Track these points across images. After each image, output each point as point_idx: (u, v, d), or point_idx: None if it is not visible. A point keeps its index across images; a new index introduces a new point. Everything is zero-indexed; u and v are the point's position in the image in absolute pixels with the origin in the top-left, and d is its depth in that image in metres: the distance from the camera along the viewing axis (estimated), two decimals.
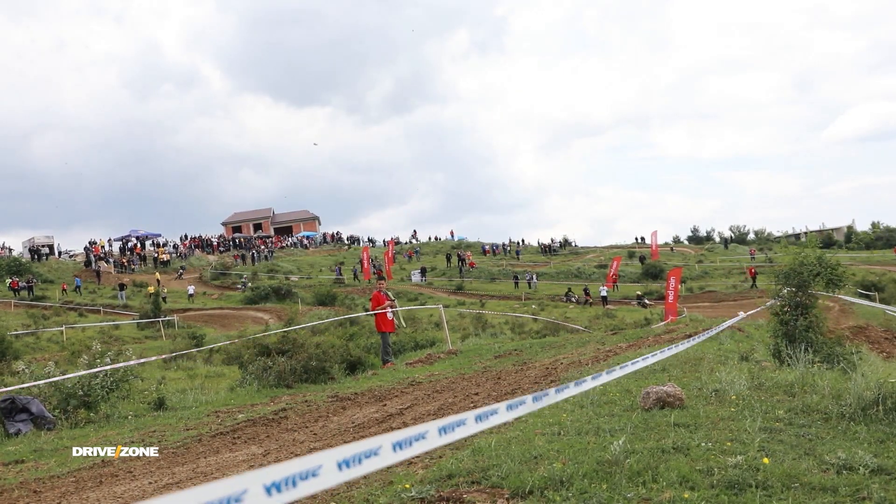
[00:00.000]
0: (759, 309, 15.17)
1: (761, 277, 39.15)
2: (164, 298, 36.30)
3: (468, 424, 2.32)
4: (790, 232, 71.28)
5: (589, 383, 3.45)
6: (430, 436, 2.11)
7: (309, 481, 1.62)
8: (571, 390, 3.18)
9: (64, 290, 40.13)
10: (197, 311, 36.36)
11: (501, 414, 2.53)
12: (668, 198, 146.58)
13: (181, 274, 48.22)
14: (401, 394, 8.30)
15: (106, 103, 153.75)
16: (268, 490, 1.51)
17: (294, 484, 1.58)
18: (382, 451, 1.88)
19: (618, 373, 3.96)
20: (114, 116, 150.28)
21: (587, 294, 38.84)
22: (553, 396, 2.97)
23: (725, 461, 3.64)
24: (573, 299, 39.14)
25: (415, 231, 70.86)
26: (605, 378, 3.74)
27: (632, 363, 4.37)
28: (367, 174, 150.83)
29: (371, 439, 1.87)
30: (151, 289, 39.07)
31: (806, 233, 68.52)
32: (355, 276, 48.03)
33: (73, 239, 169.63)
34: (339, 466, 1.73)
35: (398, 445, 1.96)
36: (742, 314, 14.09)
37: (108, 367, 8.92)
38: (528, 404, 2.75)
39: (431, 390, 8.25)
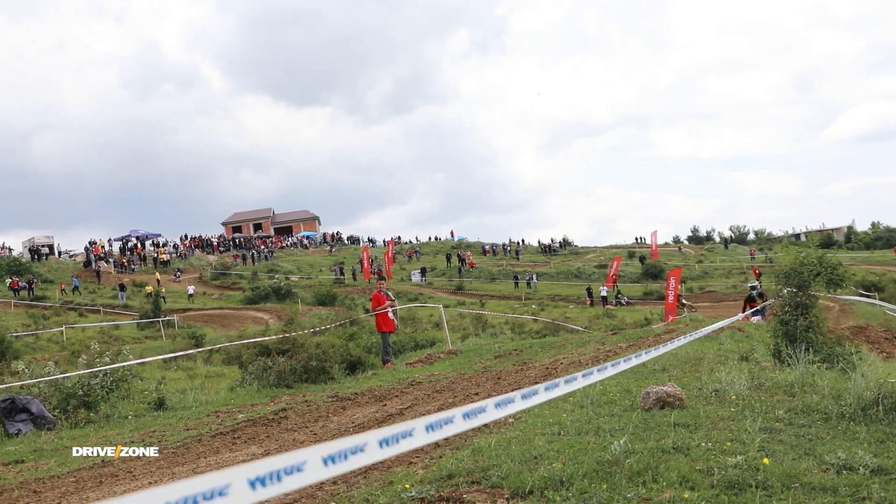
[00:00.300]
0: (758, 308, 15.18)
1: (763, 277, 39.15)
2: (163, 298, 36.27)
3: (455, 422, 2.30)
4: (791, 232, 71.32)
5: (580, 381, 3.44)
6: (417, 433, 2.09)
7: (293, 476, 1.61)
8: (561, 388, 3.18)
9: (63, 290, 40.07)
10: (197, 311, 36.35)
11: (490, 412, 2.52)
12: (668, 198, 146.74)
13: (178, 275, 47.80)
14: (401, 394, 8.30)
15: (106, 103, 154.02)
16: (252, 484, 1.50)
17: (279, 478, 1.57)
18: (368, 448, 1.87)
19: (609, 370, 3.95)
20: (114, 116, 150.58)
21: (589, 295, 38.65)
22: (542, 394, 2.97)
23: (725, 461, 3.63)
24: (623, 302, 37.75)
25: (399, 237, 69.02)
26: (596, 376, 3.73)
27: (624, 360, 4.37)
28: (367, 174, 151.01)
29: (357, 436, 1.87)
30: (149, 288, 39.04)
31: (806, 233, 68.52)
32: (353, 277, 48.04)
33: (73, 239, 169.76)
34: (325, 462, 1.72)
35: (384, 442, 1.94)
36: (740, 316, 14.21)
37: (108, 367, 8.92)
38: (517, 402, 2.73)
39: (431, 390, 8.24)
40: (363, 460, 1.84)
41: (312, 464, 1.67)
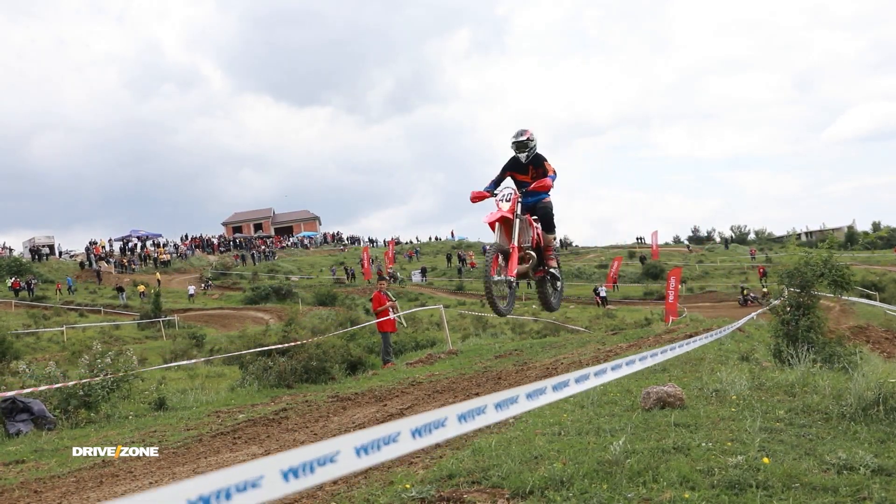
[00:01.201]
0: (764, 309, 15.08)
1: (768, 278, 39.09)
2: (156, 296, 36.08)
3: (488, 413, 2.27)
4: (791, 232, 71.32)
5: (609, 375, 3.43)
6: (450, 423, 2.07)
7: (326, 467, 1.59)
8: (591, 380, 3.17)
9: (59, 289, 39.86)
10: (197, 311, 36.33)
11: (522, 402, 2.48)
12: (668, 198, 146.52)
13: (209, 285, 45.24)
14: (401, 394, 8.30)
15: (106, 103, 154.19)
16: (285, 476, 1.49)
17: (312, 470, 1.56)
18: (401, 438, 1.84)
19: (624, 370, 3.94)
20: (114, 116, 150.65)
21: (597, 295, 38.47)
22: (573, 386, 2.95)
23: (726, 461, 3.63)
24: (752, 297, 33.68)
25: (399, 237, 66.46)
26: (624, 371, 3.72)
27: (640, 358, 4.35)
28: (367, 174, 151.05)
29: (389, 424, 1.85)
30: (141, 288, 38.99)
31: (808, 233, 68.55)
32: (353, 277, 48.06)
33: (73, 239, 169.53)
34: (358, 453, 1.70)
35: (417, 433, 1.91)
36: (754, 315, 13.93)
37: (116, 376, 8.90)
38: (547, 393, 2.71)
39: (432, 390, 8.24)
40: (396, 451, 1.82)
41: (346, 454, 1.66)
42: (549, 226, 7.07)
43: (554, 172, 6.87)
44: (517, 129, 6.94)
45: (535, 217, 7.02)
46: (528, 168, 7.03)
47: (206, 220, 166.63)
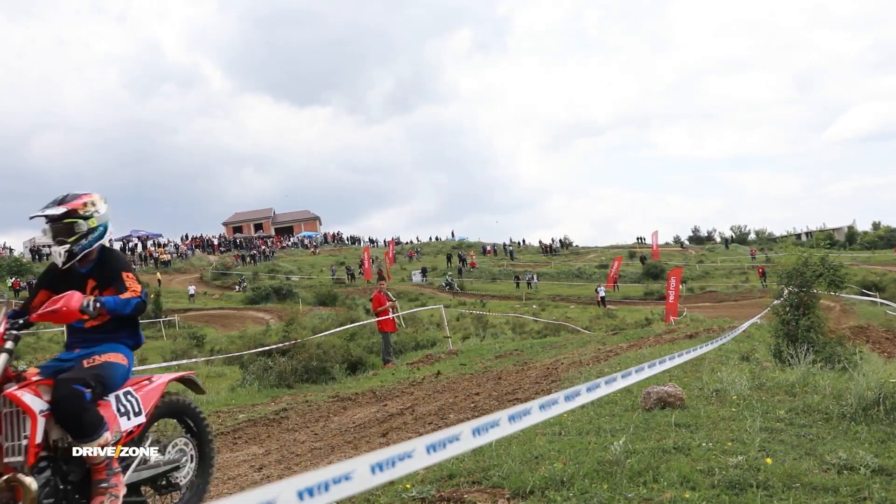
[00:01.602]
0: (767, 310, 15.08)
1: (768, 278, 39.10)
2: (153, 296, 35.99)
3: (502, 426, 2.30)
4: (791, 232, 71.33)
5: (636, 376, 3.45)
6: (464, 437, 2.10)
7: (341, 485, 1.62)
8: (603, 389, 3.19)
9: None
10: (197, 311, 36.34)
11: (535, 414, 2.51)
12: (669, 198, 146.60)
13: (244, 286, 44.18)
14: (401, 394, 8.31)
15: (106, 103, 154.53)
16: (300, 495, 1.52)
17: (326, 488, 1.58)
18: (416, 454, 1.87)
19: (658, 367, 3.97)
20: (114, 116, 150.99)
21: (598, 294, 38.39)
22: (604, 388, 2.97)
23: (726, 461, 3.63)
24: None
25: (384, 240, 66.07)
26: (647, 372, 3.74)
27: (669, 358, 4.37)
28: (367, 174, 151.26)
29: (405, 443, 1.87)
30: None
31: (808, 233, 68.52)
32: (353, 277, 48.09)
33: None
34: (373, 470, 1.73)
35: (432, 448, 1.94)
36: (757, 319, 13.87)
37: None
38: (560, 404, 2.74)
39: (432, 390, 8.25)
40: (411, 466, 1.84)
41: (360, 472, 1.69)
42: (78, 426, 3.12)
43: (139, 295, 3.41)
44: (56, 196, 3.52)
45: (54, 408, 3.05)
46: (74, 283, 3.46)
47: (207, 220, 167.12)
